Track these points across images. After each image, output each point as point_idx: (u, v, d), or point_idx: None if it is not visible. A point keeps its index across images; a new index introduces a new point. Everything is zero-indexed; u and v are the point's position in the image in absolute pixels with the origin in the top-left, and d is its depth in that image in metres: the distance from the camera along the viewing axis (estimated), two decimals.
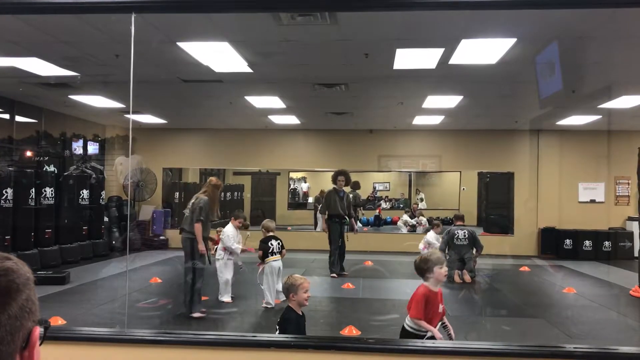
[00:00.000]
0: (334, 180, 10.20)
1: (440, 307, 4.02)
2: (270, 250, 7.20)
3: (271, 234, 7.37)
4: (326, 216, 10.16)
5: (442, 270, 3.99)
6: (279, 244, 7.29)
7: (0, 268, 0.95)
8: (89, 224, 12.13)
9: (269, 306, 7.21)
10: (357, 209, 16.42)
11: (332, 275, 9.80)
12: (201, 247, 6.79)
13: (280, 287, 6.91)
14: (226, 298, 7.58)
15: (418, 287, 4.05)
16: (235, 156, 15.01)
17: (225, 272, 7.60)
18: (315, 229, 16.77)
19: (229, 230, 7.61)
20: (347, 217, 10.18)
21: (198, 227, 6.73)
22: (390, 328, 6.61)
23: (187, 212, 7.01)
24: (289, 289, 4.11)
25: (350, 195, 10.23)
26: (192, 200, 6.97)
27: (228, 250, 7.54)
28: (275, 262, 7.23)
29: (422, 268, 4.03)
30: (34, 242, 10.37)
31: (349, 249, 13.59)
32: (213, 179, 7.26)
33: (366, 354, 2.77)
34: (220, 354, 2.80)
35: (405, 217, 16.40)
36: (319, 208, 10.60)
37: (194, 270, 6.79)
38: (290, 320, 4.03)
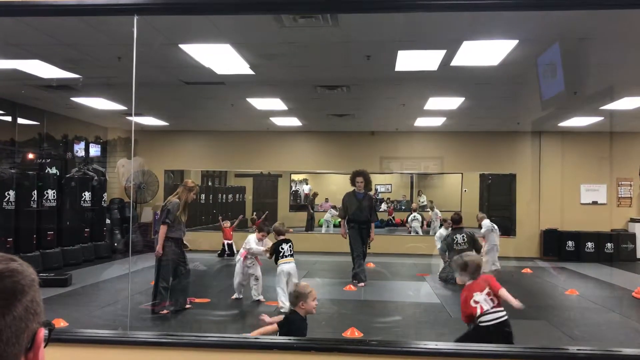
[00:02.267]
0: (352, 181, 9.35)
1: (486, 290, 4.54)
2: (281, 254, 7.17)
3: (282, 237, 7.35)
4: (345, 221, 9.44)
5: (461, 278, 4.62)
6: (290, 247, 7.25)
7: (6, 269, 0.95)
8: (91, 226, 12.14)
9: (282, 309, 7.08)
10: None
11: (359, 284, 9.03)
12: (159, 248, 7.14)
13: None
14: (235, 295, 7.93)
15: None
16: (237, 158, 15.02)
17: (237, 275, 7.89)
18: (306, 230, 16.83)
19: (252, 239, 7.70)
20: (368, 222, 9.26)
21: (163, 229, 7.07)
22: (392, 330, 6.61)
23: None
24: (299, 297, 4.19)
25: (373, 199, 9.48)
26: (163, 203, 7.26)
27: (250, 255, 7.66)
28: (286, 264, 7.17)
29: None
30: (36, 244, 10.38)
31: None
32: (188, 181, 7.46)
33: (369, 356, 2.77)
34: (223, 356, 2.79)
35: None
36: (338, 212, 9.87)
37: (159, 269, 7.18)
38: (294, 321, 4.09)
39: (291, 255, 7.24)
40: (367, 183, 9.35)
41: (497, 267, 10.11)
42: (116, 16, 4.87)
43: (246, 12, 5.01)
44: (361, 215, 9.16)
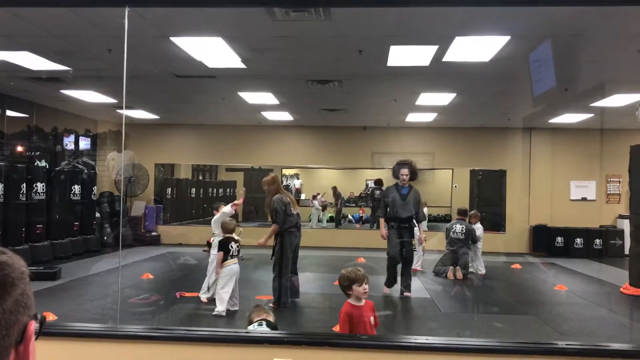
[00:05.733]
0: (395, 173, 8.17)
1: (372, 319, 3.86)
2: (230, 253, 6.71)
3: (230, 235, 6.88)
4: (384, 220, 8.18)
5: (360, 288, 3.81)
6: (238, 246, 6.83)
7: None
8: (81, 219, 12.06)
9: (221, 314, 6.62)
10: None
11: (384, 291, 8.12)
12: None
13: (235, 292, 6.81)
14: (204, 297, 7.40)
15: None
16: (228, 152, 14.98)
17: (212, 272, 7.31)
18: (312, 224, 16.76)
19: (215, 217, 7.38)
20: (413, 221, 8.10)
21: None
22: (383, 324, 6.62)
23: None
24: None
25: (420, 195, 8.32)
26: None
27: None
28: (235, 265, 6.75)
29: (342, 285, 3.90)
30: (24, 237, 10.29)
31: (343, 246, 13.62)
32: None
33: (359, 350, 2.77)
34: (213, 350, 2.79)
35: None
36: (377, 211, 8.61)
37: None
38: None
39: (237, 256, 6.82)
40: (414, 175, 8.18)
41: (482, 272, 10.17)
42: (107, 8, 4.84)
43: (238, 4, 5.00)
44: (404, 213, 7.96)
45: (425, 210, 14.97)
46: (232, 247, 6.72)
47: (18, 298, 0.95)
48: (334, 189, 18.06)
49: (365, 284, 3.83)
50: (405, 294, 7.96)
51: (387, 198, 8.11)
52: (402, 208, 7.96)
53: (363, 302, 3.88)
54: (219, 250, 6.80)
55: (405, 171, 8.02)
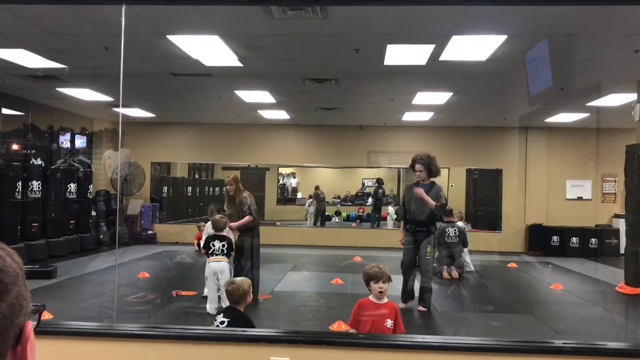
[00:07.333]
0: (412, 169, 7.24)
1: (389, 322, 3.77)
2: (210, 251, 6.62)
3: (216, 233, 6.77)
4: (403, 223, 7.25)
5: (376, 286, 3.83)
6: (223, 245, 6.61)
7: None
8: (77, 217, 12.03)
9: (210, 312, 6.54)
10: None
11: (401, 305, 6.98)
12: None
13: (222, 291, 6.15)
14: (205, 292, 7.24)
15: None
16: (224, 151, 14.97)
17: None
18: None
19: (207, 226, 7.52)
20: (428, 224, 7.02)
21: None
22: None
23: None
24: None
25: (441, 191, 7.10)
26: None
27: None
28: (214, 263, 6.58)
29: (364, 281, 3.96)
30: (20, 235, 10.27)
31: (340, 244, 13.64)
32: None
33: (355, 349, 2.77)
34: (210, 349, 2.78)
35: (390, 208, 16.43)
36: (398, 214, 7.41)
37: None
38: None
39: (224, 254, 6.62)
40: (431, 171, 7.06)
41: (471, 269, 10.19)
42: (104, 5, 4.83)
43: (235, 2, 4.99)
44: (421, 215, 6.96)
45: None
46: (213, 245, 6.61)
47: (13, 302, 0.92)
48: (317, 187, 17.98)
49: (383, 282, 3.82)
50: (419, 308, 7.07)
51: (406, 198, 7.19)
52: (418, 208, 6.97)
53: (384, 300, 3.87)
54: (202, 246, 6.93)
55: (419, 167, 7.04)
